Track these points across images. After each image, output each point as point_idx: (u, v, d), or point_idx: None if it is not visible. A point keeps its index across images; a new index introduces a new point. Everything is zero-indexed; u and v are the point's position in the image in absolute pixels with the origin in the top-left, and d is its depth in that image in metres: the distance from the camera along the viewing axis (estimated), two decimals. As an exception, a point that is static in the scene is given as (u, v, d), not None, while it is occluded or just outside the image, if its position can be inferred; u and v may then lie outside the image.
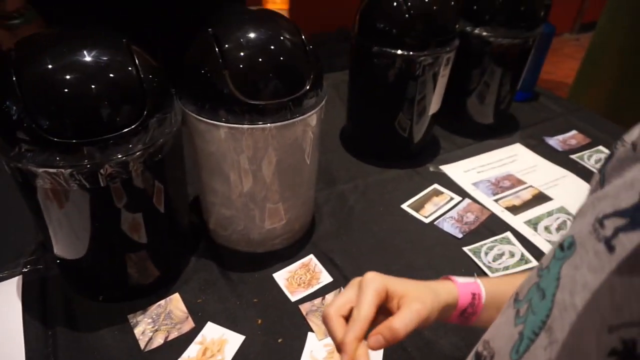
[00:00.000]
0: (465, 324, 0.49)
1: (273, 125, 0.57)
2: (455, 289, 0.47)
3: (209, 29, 0.57)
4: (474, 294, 0.47)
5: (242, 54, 0.56)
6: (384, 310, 0.44)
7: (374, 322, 0.41)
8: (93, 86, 0.47)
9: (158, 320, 0.62)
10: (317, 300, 0.66)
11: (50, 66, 0.46)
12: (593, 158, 0.99)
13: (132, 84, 0.50)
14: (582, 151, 1.01)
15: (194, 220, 0.76)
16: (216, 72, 0.55)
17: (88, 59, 0.48)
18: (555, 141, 1.04)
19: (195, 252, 0.72)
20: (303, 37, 0.60)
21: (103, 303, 0.63)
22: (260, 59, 0.56)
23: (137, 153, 0.50)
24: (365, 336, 0.40)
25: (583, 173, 0.94)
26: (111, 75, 0.49)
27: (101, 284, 0.64)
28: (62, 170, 0.47)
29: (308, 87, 0.59)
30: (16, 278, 0.65)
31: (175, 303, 0.64)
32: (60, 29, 0.52)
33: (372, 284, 0.42)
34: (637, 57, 1.28)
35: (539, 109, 1.17)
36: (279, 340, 0.60)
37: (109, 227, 0.57)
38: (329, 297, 0.66)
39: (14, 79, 0.45)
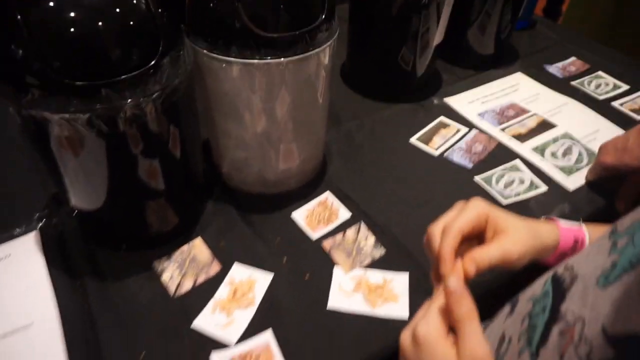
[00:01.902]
0: None
1: (288, 59, 0.55)
2: (557, 231, 0.47)
3: (215, -42, 0.54)
4: (576, 240, 0.46)
5: (254, -18, 0.52)
6: (479, 236, 0.44)
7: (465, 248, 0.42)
8: (107, 22, 0.44)
9: (184, 265, 0.62)
10: (339, 236, 0.67)
11: (58, 2, 0.43)
12: (593, 84, 1.00)
13: (146, 19, 0.47)
14: (582, 77, 1.02)
15: (205, 166, 0.75)
16: (229, 3, 0.52)
17: (99, -7, 0.44)
18: (555, 68, 1.04)
19: (210, 197, 0.71)
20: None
21: (126, 252, 0.63)
22: (275, -12, 0.53)
23: (155, 94, 0.48)
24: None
25: (584, 99, 0.95)
26: (124, 10, 0.45)
27: (122, 233, 0.64)
28: (80, 115, 0.45)
29: (323, 18, 0.56)
30: (33, 233, 0.64)
31: (198, 247, 0.64)
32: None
33: (476, 207, 0.43)
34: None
35: (537, 37, 1.16)
36: (307, 276, 0.61)
37: (127, 174, 0.55)
38: (349, 232, 0.67)
39: (19, 17, 0.42)
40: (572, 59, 1.07)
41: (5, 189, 0.71)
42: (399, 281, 0.62)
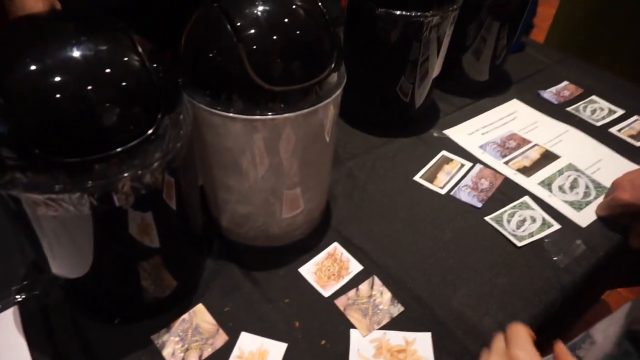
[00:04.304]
0: None
1: (297, 113, 0.51)
2: None
3: (214, 3, 0.49)
4: None
5: (260, 31, 0.48)
6: None
7: None
8: (99, 88, 0.38)
9: (186, 338, 0.56)
10: (352, 293, 0.62)
11: (42, 65, 0.37)
12: (588, 109, 0.99)
13: (143, 80, 0.41)
14: (577, 102, 1.01)
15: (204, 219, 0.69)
16: (232, 56, 0.47)
17: (88, 52, 0.38)
18: (549, 94, 1.03)
19: (210, 254, 0.66)
20: (320, 4, 0.52)
21: (120, 326, 0.56)
22: (283, 37, 0.48)
23: (156, 163, 0.43)
24: None
25: (582, 126, 0.93)
26: (116, 69, 0.40)
27: (115, 304, 0.57)
28: (69, 194, 0.39)
29: (334, 66, 0.52)
30: (11, 310, 0.56)
31: (200, 315, 0.58)
32: (46, 13, 0.42)
33: None
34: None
35: (528, 60, 1.15)
36: (322, 342, 0.56)
37: (121, 242, 0.49)
38: (362, 287, 0.63)
39: (-4, 87, 0.36)
40: (565, 83, 1.06)
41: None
42: (422, 342, 0.57)
